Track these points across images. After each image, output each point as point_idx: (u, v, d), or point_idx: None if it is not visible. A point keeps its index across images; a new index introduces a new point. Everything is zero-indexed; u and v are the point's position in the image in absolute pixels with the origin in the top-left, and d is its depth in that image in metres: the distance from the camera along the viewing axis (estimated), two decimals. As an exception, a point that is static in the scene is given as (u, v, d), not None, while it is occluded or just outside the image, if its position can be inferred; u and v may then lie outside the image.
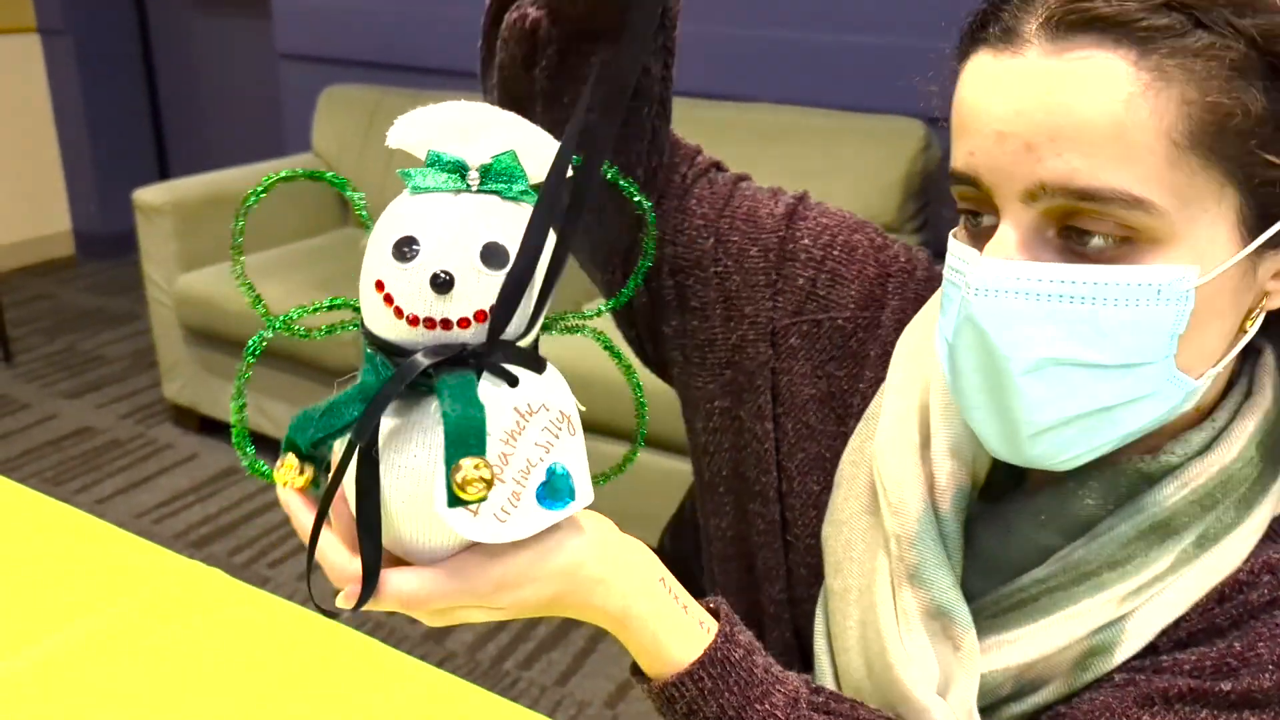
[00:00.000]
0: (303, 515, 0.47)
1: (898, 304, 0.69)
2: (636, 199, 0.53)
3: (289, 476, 0.45)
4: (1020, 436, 0.54)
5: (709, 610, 0.56)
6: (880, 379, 0.68)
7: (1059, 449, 0.54)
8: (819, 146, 2.51)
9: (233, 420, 0.49)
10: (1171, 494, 0.56)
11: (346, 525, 0.46)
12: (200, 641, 0.85)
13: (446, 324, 0.42)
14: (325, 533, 0.46)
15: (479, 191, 0.43)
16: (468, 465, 0.40)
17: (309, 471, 0.45)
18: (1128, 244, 0.49)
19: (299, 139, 3.32)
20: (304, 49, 3.36)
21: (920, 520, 0.61)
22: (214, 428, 2.88)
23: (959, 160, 0.53)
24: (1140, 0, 0.48)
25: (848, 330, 0.69)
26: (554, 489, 0.44)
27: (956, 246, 0.55)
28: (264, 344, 0.47)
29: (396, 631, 2.11)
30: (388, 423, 0.43)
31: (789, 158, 2.52)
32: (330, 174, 0.49)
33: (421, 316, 0.42)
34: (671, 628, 0.53)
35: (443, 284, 0.41)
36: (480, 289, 0.42)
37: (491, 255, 0.42)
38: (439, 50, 3.12)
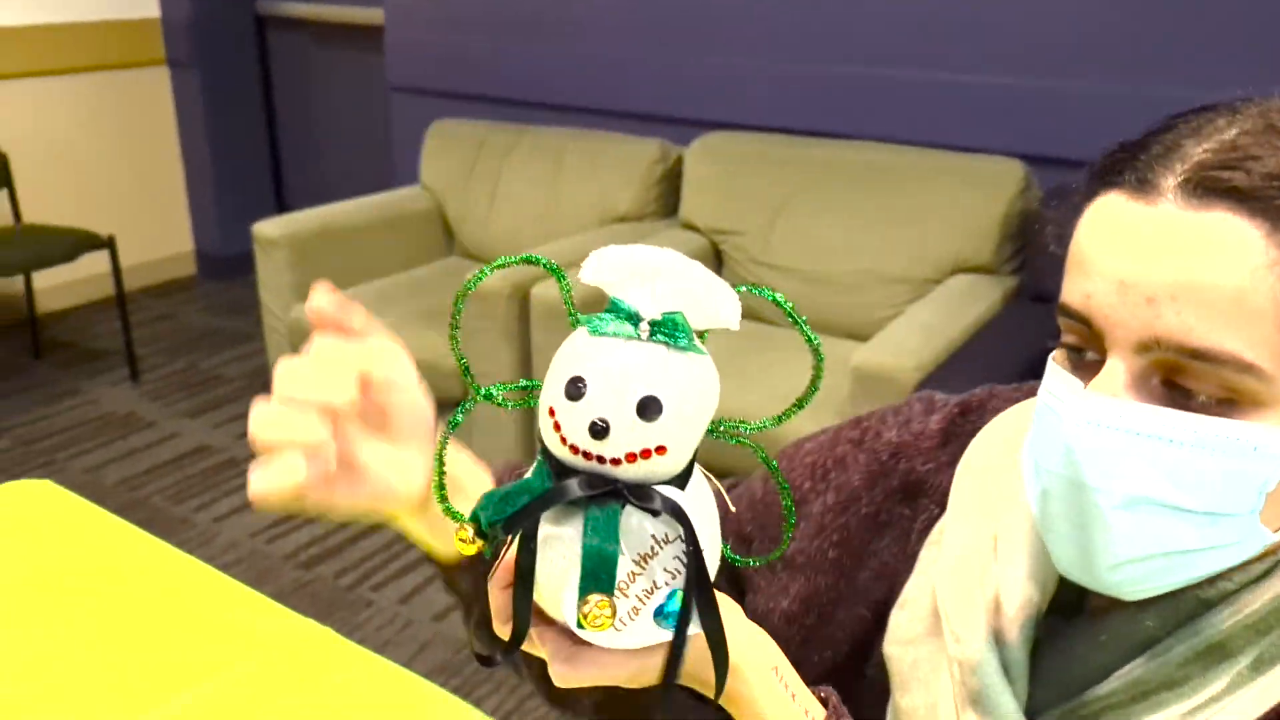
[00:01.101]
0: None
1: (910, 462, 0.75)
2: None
3: (462, 545, 0.50)
4: (1099, 566, 0.56)
5: (819, 699, 0.60)
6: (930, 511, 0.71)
7: (1134, 581, 0.56)
8: (916, 186, 2.51)
9: (435, 471, 0.54)
10: (1226, 618, 0.57)
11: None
12: (315, 705, 0.92)
13: (601, 460, 0.46)
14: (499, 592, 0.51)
15: (649, 340, 0.47)
16: (594, 600, 0.46)
17: (480, 543, 0.50)
18: (1229, 404, 0.51)
19: (408, 172, 3.44)
20: (414, 82, 3.49)
21: (981, 648, 0.63)
22: (322, 450, 2.99)
23: (1074, 298, 0.55)
24: (1277, 180, 0.50)
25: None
26: (669, 612, 0.49)
27: (1058, 373, 0.57)
28: (466, 413, 0.52)
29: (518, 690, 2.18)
30: (544, 525, 0.49)
31: (885, 198, 2.53)
32: (544, 259, 0.53)
33: (581, 449, 0.46)
34: (777, 713, 0.57)
35: (599, 430, 0.46)
36: (633, 437, 0.46)
37: (645, 408, 0.46)
38: (544, 85, 3.21)
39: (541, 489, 0.48)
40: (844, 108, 2.71)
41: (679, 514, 0.48)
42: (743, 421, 0.53)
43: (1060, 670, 0.63)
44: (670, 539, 0.48)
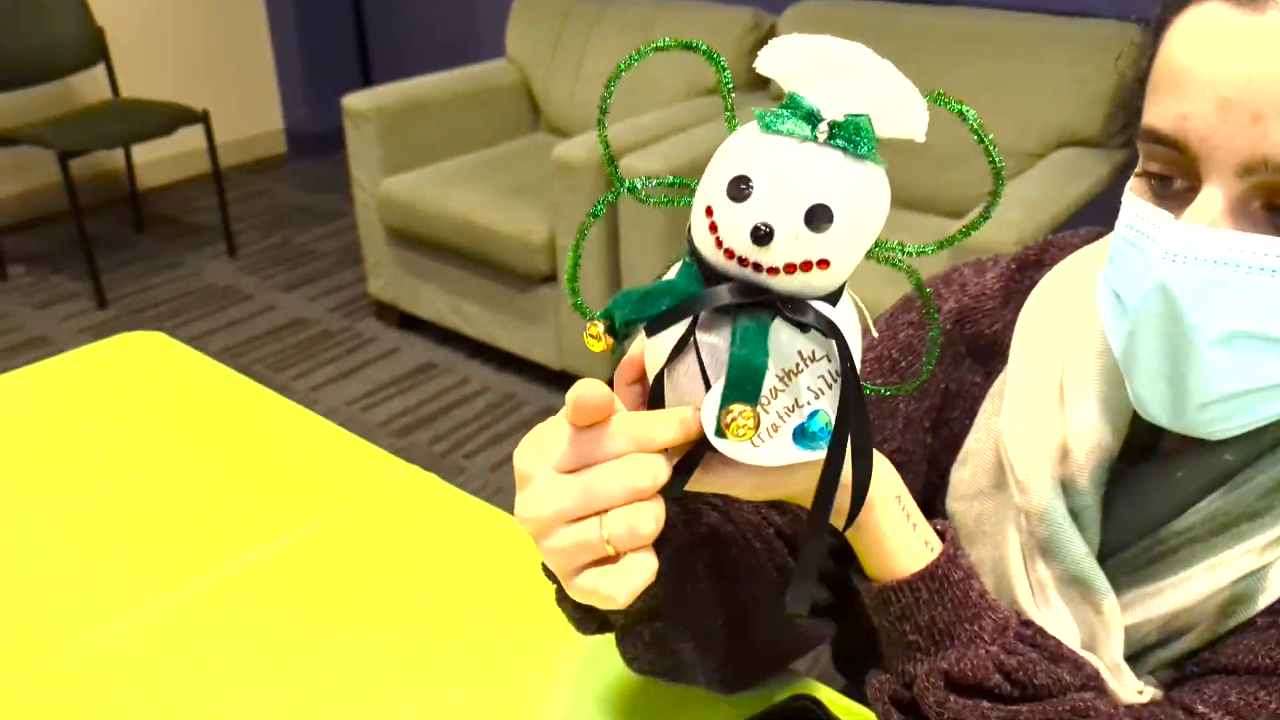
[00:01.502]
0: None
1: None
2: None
3: (592, 341, 0.47)
4: (1190, 405, 0.54)
5: (937, 532, 0.60)
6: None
7: (1223, 418, 0.54)
8: (1021, 54, 2.40)
9: (569, 264, 0.51)
10: None
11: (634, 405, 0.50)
12: (413, 543, 0.95)
13: (758, 268, 0.43)
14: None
15: (826, 144, 0.43)
16: (738, 410, 0.43)
17: (609, 341, 0.47)
18: None
19: (493, 46, 3.40)
20: (499, -47, 3.41)
21: (1048, 495, 0.63)
22: (412, 324, 3.06)
23: (1164, 121, 0.51)
24: None
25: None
26: (810, 432, 0.46)
27: (1139, 205, 0.54)
28: (607, 204, 0.50)
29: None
30: (678, 331, 0.46)
31: (988, 67, 2.42)
32: (703, 45, 0.48)
33: (738, 254, 0.43)
34: (900, 541, 0.58)
35: (762, 236, 0.42)
36: (798, 246, 0.43)
37: (815, 217, 0.42)
38: (630, -47, 3.11)
39: (688, 292, 0.45)
40: (947, -29, 2.58)
41: (834, 331, 0.45)
42: (901, 244, 0.49)
43: (1133, 512, 0.62)
44: (817, 357, 0.46)
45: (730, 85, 0.48)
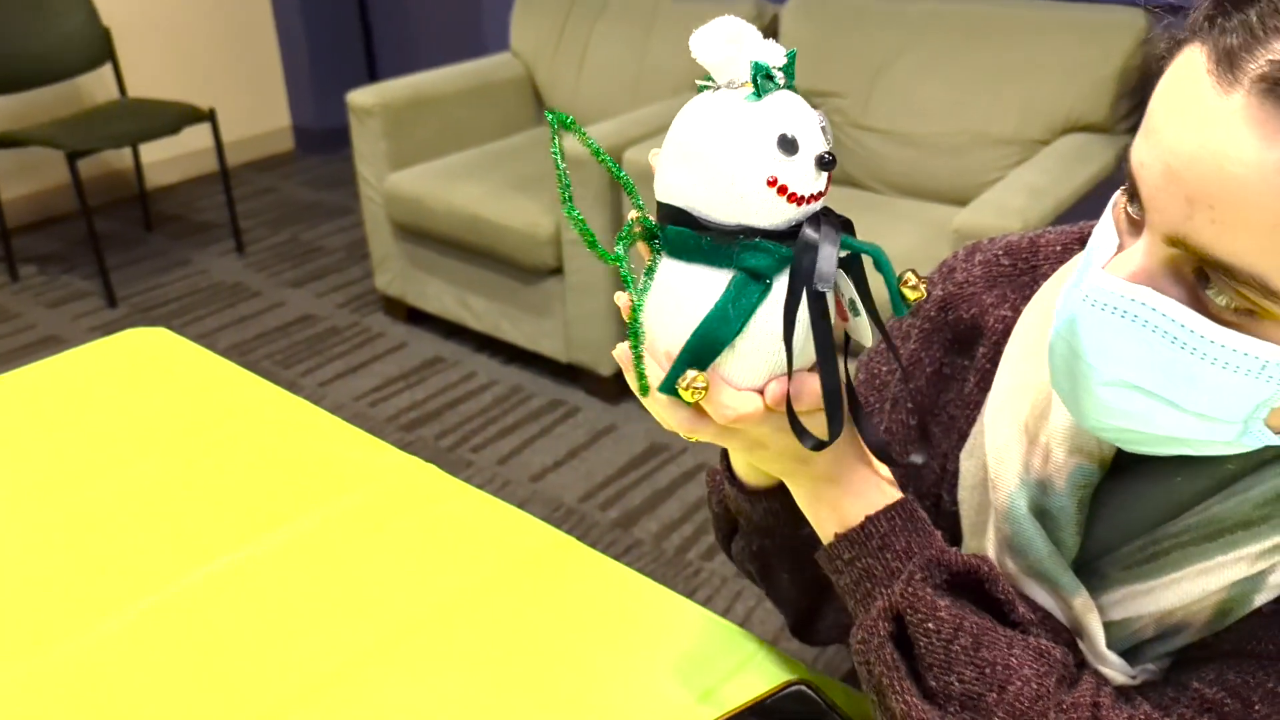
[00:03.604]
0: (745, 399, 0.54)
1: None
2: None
3: (698, 391, 0.51)
4: (1086, 424, 0.56)
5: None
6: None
7: (1125, 444, 0.56)
8: (1025, 41, 2.39)
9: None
10: None
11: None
12: (415, 534, 0.96)
13: (816, 197, 0.50)
14: (733, 393, 0.54)
15: (784, 88, 0.50)
16: (911, 276, 0.53)
17: (706, 383, 0.52)
18: (1248, 315, 0.48)
19: (498, 40, 3.40)
20: (502, -53, 3.41)
21: (1011, 495, 0.64)
22: (420, 318, 3.07)
23: (1133, 157, 0.50)
24: None
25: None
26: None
27: (1106, 225, 0.54)
28: (633, 238, 0.54)
29: (587, 518, 2.24)
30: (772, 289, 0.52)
31: (993, 54, 2.41)
32: (569, 119, 0.53)
33: (808, 194, 0.50)
34: (867, 484, 0.62)
35: (828, 162, 0.50)
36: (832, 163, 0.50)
37: (825, 130, 0.50)
38: (633, -55, 3.11)
39: (769, 265, 0.50)
40: (951, -42, 2.57)
41: (850, 226, 0.53)
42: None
43: (1130, 512, 0.62)
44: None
45: (565, 176, 0.53)
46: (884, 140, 2.55)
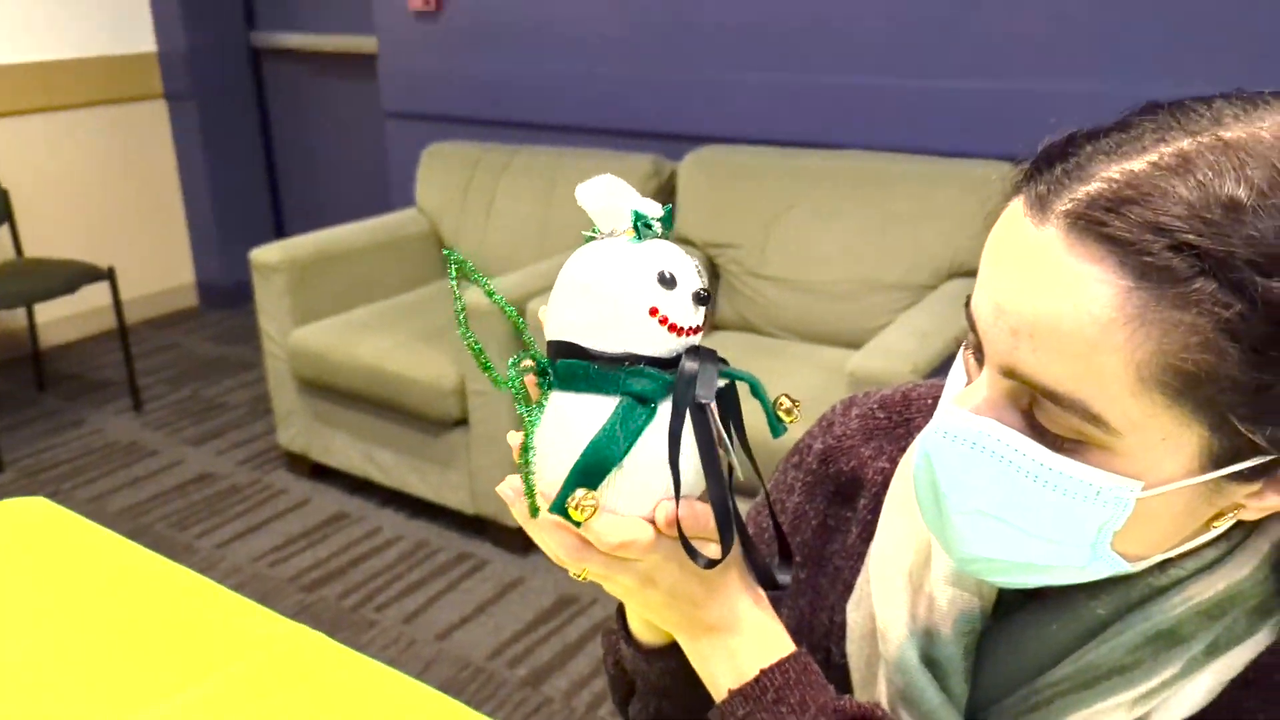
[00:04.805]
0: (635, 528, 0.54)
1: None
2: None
3: (586, 510, 0.53)
4: (953, 556, 0.58)
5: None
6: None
7: (990, 574, 0.58)
8: (909, 192, 2.52)
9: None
10: (1178, 604, 0.56)
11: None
12: (305, 706, 0.91)
13: (695, 330, 0.54)
14: (615, 520, 0.54)
15: (661, 236, 0.55)
16: (785, 400, 0.56)
17: (596, 504, 0.53)
18: (1080, 444, 0.50)
19: (404, 194, 3.46)
20: (408, 107, 3.52)
21: (902, 646, 0.64)
22: (324, 474, 3.00)
23: (972, 300, 0.54)
24: (1158, 233, 0.46)
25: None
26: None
27: (957, 368, 0.58)
28: (522, 373, 0.56)
29: (495, 677, 2.17)
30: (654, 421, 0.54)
31: (880, 205, 2.54)
32: (459, 258, 0.57)
33: (687, 326, 0.54)
34: (765, 628, 0.60)
35: (704, 298, 0.54)
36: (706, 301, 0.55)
37: (700, 272, 0.55)
38: (536, 105, 3.23)
39: (653, 390, 0.53)
40: (833, 118, 2.73)
41: (719, 358, 0.56)
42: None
43: (1013, 659, 0.63)
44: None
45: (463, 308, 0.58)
46: (779, 288, 2.64)
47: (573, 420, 0.54)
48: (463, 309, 0.56)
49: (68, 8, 3.91)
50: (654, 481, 0.54)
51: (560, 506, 0.53)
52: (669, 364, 0.54)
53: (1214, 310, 0.45)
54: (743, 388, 0.56)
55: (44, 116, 3.91)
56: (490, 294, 0.57)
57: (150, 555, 1.14)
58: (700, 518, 0.54)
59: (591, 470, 0.53)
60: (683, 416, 0.53)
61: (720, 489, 0.54)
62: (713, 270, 2.80)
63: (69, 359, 3.96)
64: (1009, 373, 0.51)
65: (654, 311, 0.53)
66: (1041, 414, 0.51)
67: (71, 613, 1.04)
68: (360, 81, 3.97)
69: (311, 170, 4.38)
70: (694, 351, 0.54)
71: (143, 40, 4.17)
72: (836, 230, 2.57)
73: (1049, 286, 0.48)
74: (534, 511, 0.55)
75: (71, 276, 3.28)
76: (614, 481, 0.54)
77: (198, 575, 1.10)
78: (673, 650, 0.67)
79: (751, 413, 0.56)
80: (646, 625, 0.68)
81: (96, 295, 3.46)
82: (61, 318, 4.00)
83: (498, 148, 3.21)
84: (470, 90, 3.36)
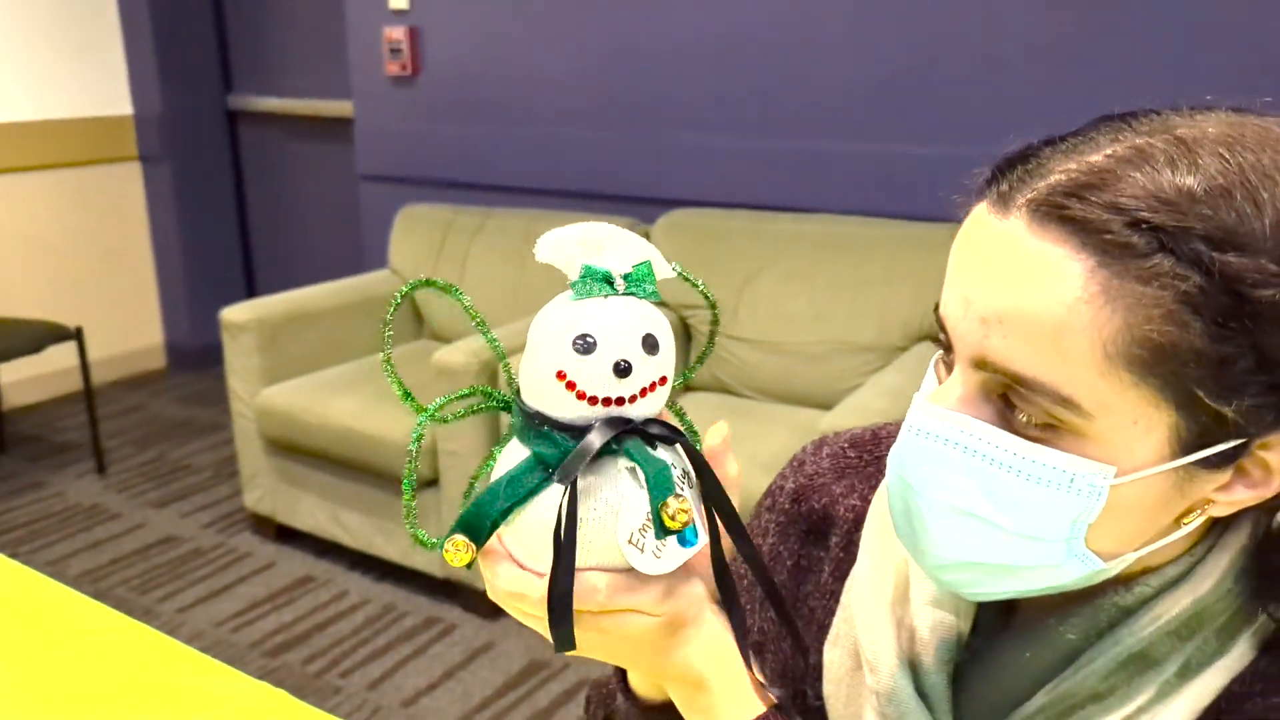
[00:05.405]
0: (516, 574, 0.54)
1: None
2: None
3: (460, 556, 0.52)
4: (928, 566, 0.58)
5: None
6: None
7: (967, 584, 0.57)
8: (880, 255, 2.55)
9: (404, 500, 0.56)
10: (1146, 625, 0.56)
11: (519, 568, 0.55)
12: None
13: (620, 401, 0.51)
14: (512, 569, 0.54)
15: (624, 294, 0.53)
16: (673, 502, 0.50)
17: (473, 550, 0.52)
18: (1051, 429, 0.51)
19: (377, 256, 3.47)
20: (383, 170, 3.54)
21: (895, 675, 0.63)
22: (290, 536, 2.95)
23: (941, 302, 0.55)
24: (1116, 213, 0.48)
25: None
26: (685, 534, 0.53)
27: (930, 374, 0.58)
28: (423, 431, 0.55)
29: (463, 744, 2.12)
30: (557, 493, 0.52)
31: (851, 268, 2.56)
32: (443, 282, 0.59)
33: (601, 397, 0.51)
34: (744, 687, 0.59)
35: (624, 370, 0.51)
36: (646, 371, 0.52)
37: (651, 344, 0.52)
38: (509, 169, 3.26)
39: (553, 456, 0.51)
40: (804, 182, 2.77)
41: (679, 435, 0.53)
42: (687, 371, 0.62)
43: (989, 690, 0.63)
44: (679, 466, 0.53)
45: (471, 307, 0.60)
46: (752, 349, 2.65)
47: (499, 466, 0.55)
48: (389, 339, 0.58)
49: (47, 70, 3.92)
50: (545, 546, 0.52)
51: (440, 546, 0.54)
52: (585, 430, 0.52)
53: (1173, 284, 0.47)
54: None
55: (18, 176, 3.90)
56: (470, 311, 0.59)
57: (112, 613, 1.11)
58: (586, 593, 0.53)
59: (472, 520, 0.53)
60: (566, 489, 0.51)
61: (564, 578, 0.51)
62: (685, 332, 2.81)
63: (32, 420, 3.90)
64: (980, 363, 0.52)
65: (561, 375, 0.51)
66: (1014, 403, 0.52)
67: (32, 671, 1.01)
68: (335, 144, 4.00)
69: (285, 233, 4.38)
70: (615, 424, 0.51)
71: (119, 103, 4.19)
72: (808, 292, 2.60)
73: (1015, 273, 0.50)
74: (416, 541, 0.57)
75: (38, 336, 3.24)
76: (511, 537, 0.54)
77: (156, 632, 1.07)
78: (669, 708, 0.65)
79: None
80: (646, 680, 0.67)
81: (64, 356, 3.42)
82: (27, 378, 3.94)
83: (471, 210, 3.23)
84: (445, 153, 3.39)
